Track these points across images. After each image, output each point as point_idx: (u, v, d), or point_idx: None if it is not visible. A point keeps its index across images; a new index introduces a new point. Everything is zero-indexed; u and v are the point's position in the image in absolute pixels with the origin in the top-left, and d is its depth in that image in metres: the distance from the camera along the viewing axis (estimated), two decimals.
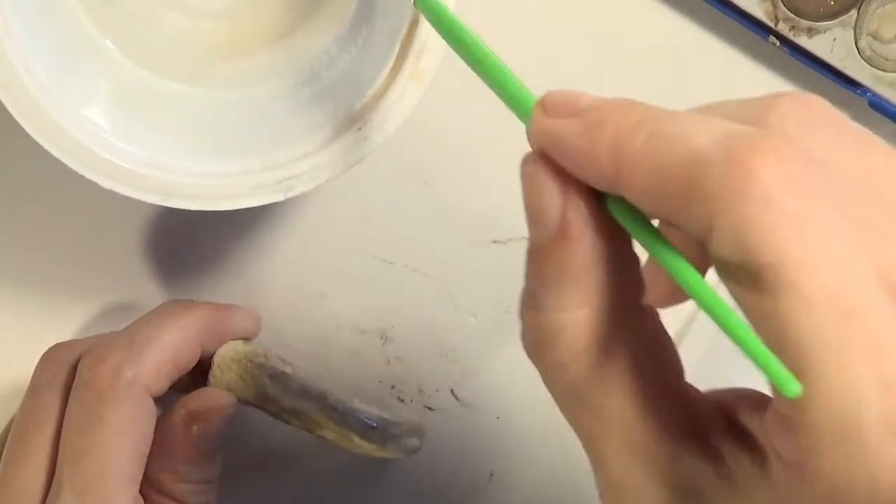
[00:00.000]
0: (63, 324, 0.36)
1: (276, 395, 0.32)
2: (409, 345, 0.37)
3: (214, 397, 0.31)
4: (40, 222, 0.36)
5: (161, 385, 0.30)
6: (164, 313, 0.31)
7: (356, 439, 0.32)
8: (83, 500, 0.28)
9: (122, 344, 0.30)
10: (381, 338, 0.37)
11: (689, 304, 0.37)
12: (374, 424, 0.33)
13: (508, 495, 0.38)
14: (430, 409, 0.37)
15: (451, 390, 0.38)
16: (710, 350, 0.36)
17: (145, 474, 0.30)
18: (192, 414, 0.30)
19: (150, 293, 0.36)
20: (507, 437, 0.38)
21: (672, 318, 0.37)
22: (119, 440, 0.28)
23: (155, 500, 0.30)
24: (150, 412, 0.30)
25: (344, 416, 0.32)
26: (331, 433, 0.32)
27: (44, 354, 0.31)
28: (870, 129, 0.37)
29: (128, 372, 0.29)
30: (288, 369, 0.32)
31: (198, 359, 0.31)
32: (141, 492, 0.30)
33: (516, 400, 0.38)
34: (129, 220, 0.36)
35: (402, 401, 0.37)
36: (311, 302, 0.36)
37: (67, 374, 0.30)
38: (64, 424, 0.29)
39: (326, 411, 0.32)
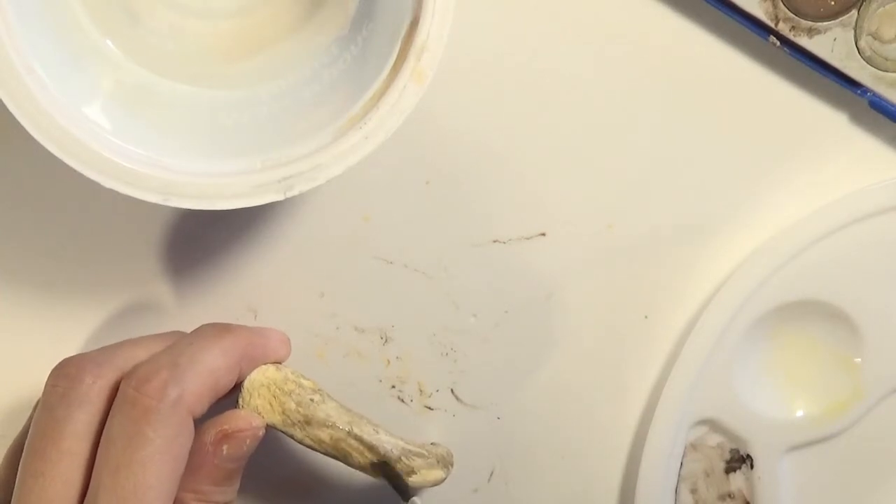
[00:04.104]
0: (63, 323, 0.36)
1: (301, 422, 0.32)
2: (409, 345, 0.37)
3: (247, 419, 0.31)
4: (40, 223, 0.36)
5: (202, 407, 0.30)
6: (205, 336, 0.31)
7: (379, 469, 0.33)
8: None
9: (166, 364, 0.30)
10: (381, 338, 0.37)
11: (686, 315, 0.37)
12: (398, 456, 0.33)
13: (508, 495, 0.38)
14: (430, 408, 0.38)
15: (451, 390, 0.38)
16: (709, 358, 0.36)
17: None
18: (225, 434, 0.31)
19: (148, 293, 0.36)
20: (507, 437, 0.38)
21: (671, 327, 0.37)
22: (160, 458, 0.29)
23: None
24: (190, 433, 0.30)
25: (368, 447, 0.33)
26: (354, 462, 0.33)
27: (53, 370, 0.31)
28: (870, 130, 0.37)
29: (172, 392, 0.29)
30: (316, 397, 0.33)
31: (235, 382, 0.32)
32: None
33: (516, 400, 0.38)
34: (129, 220, 0.36)
35: (402, 401, 0.37)
36: (311, 302, 0.37)
37: (79, 388, 0.30)
38: (103, 438, 0.29)
39: (350, 441, 0.32)
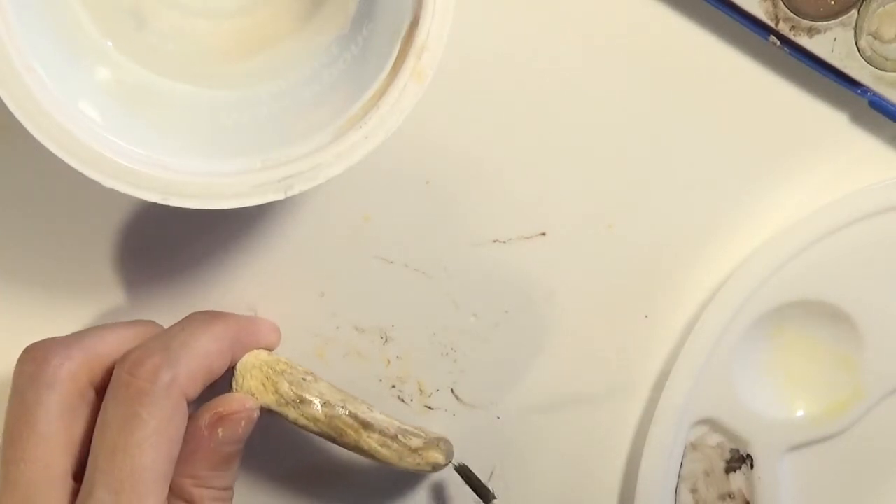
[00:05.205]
0: (61, 323, 0.36)
1: (295, 401, 0.32)
2: (409, 345, 0.37)
3: (241, 401, 0.31)
4: (40, 221, 0.36)
5: (195, 390, 0.30)
6: (196, 321, 0.32)
7: (374, 449, 0.33)
8: (117, 498, 0.28)
9: (159, 348, 0.30)
10: (381, 338, 0.37)
11: (686, 315, 0.37)
12: (393, 434, 0.33)
13: (508, 495, 0.38)
14: (430, 408, 0.38)
15: (451, 390, 0.38)
16: (709, 358, 0.36)
17: None
18: (220, 416, 0.31)
19: (149, 292, 0.36)
20: (507, 437, 0.38)
21: (671, 327, 0.37)
22: (156, 440, 0.29)
23: None
24: (184, 415, 0.30)
25: (363, 426, 0.33)
26: (349, 440, 0.33)
27: (20, 355, 0.31)
28: (870, 130, 0.37)
29: (166, 374, 0.29)
30: (308, 378, 0.33)
31: (228, 366, 0.32)
32: None
33: (516, 400, 0.38)
34: (129, 220, 0.36)
35: (402, 400, 0.37)
36: (311, 302, 0.37)
37: (46, 370, 0.30)
38: (98, 423, 0.29)
39: (344, 421, 0.32)
